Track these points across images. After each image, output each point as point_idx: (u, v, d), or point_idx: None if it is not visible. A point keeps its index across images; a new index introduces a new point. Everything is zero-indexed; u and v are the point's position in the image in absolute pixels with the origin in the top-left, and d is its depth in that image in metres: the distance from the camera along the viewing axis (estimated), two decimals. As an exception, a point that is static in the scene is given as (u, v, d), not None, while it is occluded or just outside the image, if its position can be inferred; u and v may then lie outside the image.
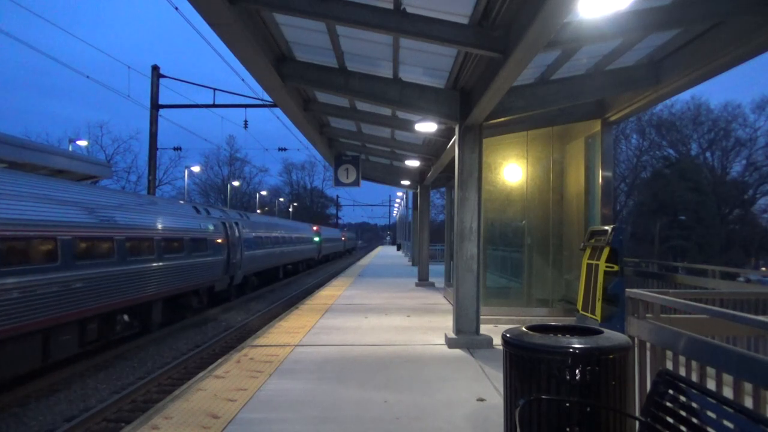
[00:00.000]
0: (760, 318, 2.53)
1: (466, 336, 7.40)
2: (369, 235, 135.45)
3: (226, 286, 17.04)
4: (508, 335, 3.00)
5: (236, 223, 18.10)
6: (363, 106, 10.01)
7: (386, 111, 10.00)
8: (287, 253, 27.08)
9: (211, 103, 20.26)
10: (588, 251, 7.63)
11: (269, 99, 11.43)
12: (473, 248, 7.48)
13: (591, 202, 9.08)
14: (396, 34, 5.97)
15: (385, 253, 50.52)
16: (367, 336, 8.21)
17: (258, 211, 56.60)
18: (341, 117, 11.21)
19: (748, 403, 2.37)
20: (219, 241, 15.90)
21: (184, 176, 38.68)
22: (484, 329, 7.79)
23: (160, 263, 11.81)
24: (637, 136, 49.44)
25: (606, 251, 7.08)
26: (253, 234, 20.30)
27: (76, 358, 9.51)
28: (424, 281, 16.86)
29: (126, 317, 10.82)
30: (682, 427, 2.26)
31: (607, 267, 7.02)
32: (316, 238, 37.61)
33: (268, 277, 23.83)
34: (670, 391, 2.41)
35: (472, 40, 5.64)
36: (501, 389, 5.03)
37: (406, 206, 38.99)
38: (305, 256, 33.14)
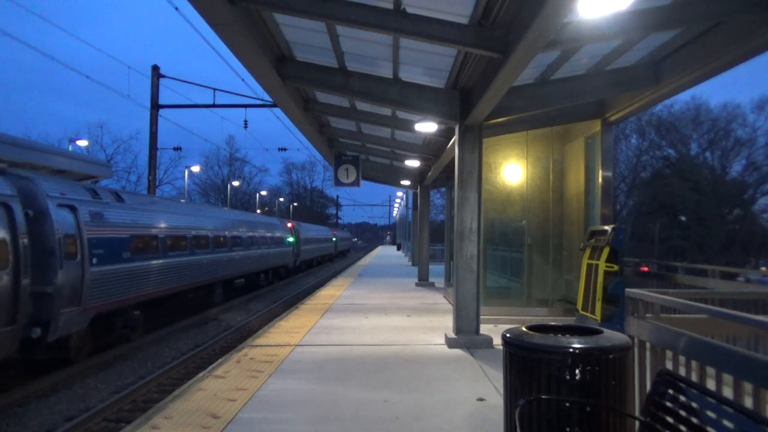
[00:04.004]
0: (760, 318, 2.53)
1: (466, 336, 7.40)
2: (369, 235, 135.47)
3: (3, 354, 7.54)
4: (508, 335, 3.00)
5: (71, 208, 9.02)
6: (363, 106, 10.01)
7: (386, 111, 10.00)
8: (229, 262, 17.47)
9: (211, 103, 20.27)
10: (588, 251, 7.63)
11: (269, 99, 11.43)
12: (473, 248, 7.48)
13: (591, 202, 9.08)
14: (396, 34, 5.97)
15: (385, 253, 50.54)
16: (367, 336, 8.21)
17: (258, 211, 55.76)
18: (341, 117, 11.21)
19: (748, 403, 2.37)
20: None
21: (184, 176, 38.71)
22: (484, 329, 7.79)
23: None
24: (637, 136, 49.47)
25: (606, 251, 7.08)
26: (130, 231, 10.90)
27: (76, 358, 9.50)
28: (424, 281, 16.86)
29: None
30: (682, 427, 2.26)
31: (606, 267, 7.03)
32: (290, 238, 28.50)
33: (186, 302, 14.73)
34: (670, 391, 2.41)
35: (472, 40, 5.64)
36: (501, 389, 5.02)
37: (406, 206, 39.00)
38: (270, 264, 23.78)
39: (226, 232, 17.66)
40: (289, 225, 29.85)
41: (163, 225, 12.80)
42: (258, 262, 21.48)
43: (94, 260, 9.48)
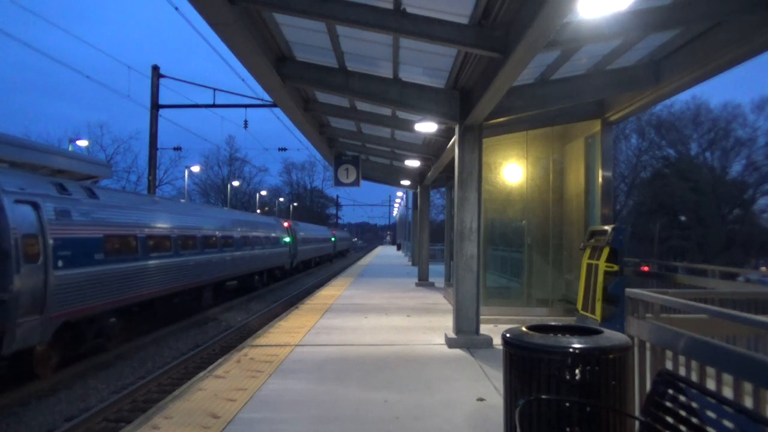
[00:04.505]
0: (760, 318, 2.53)
1: (466, 336, 7.40)
2: (369, 235, 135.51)
3: None
4: (507, 335, 3.00)
5: (32, 204, 8.11)
6: (363, 106, 10.01)
7: (386, 111, 10.00)
8: (219, 264, 16.50)
9: (211, 103, 20.29)
10: (588, 251, 7.63)
11: (269, 99, 11.43)
12: (473, 248, 7.48)
13: (591, 202, 9.08)
14: (396, 34, 5.97)
15: (385, 253, 50.53)
16: (367, 336, 8.21)
17: (258, 211, 55.59)
18: (341, 117, 11.21)
19: (748, 403, 2.37)
20: None
21: (184, 176, 38.70)
22: (484, 329, 7.79)
23: None
24: (636, 136, 49.49)
25: (606, 251, 7.08)
26: (103, 230, 9.93)
27: (76, 358, 9.50)
28: (424, 281, 16.86)
29: None
30: (682, 427, 2.26)
31: (607, 267, 7.03)
32: (287, 238, 27.60)
33: (173, 307, 13.47)
34: (670, 391, 2.41)
35: (472, 41, 5.64)
36: (501, 389, 5.02)
37: (406, 206, 39.00)
38: (265, 265, 22.81)
39: (216, 232, 16.66)
40: (286, 224, 28.69)
41: (143, 223, 11.69)
42: (251, 263, 20.49)
43: (60, 263, 8.46)
